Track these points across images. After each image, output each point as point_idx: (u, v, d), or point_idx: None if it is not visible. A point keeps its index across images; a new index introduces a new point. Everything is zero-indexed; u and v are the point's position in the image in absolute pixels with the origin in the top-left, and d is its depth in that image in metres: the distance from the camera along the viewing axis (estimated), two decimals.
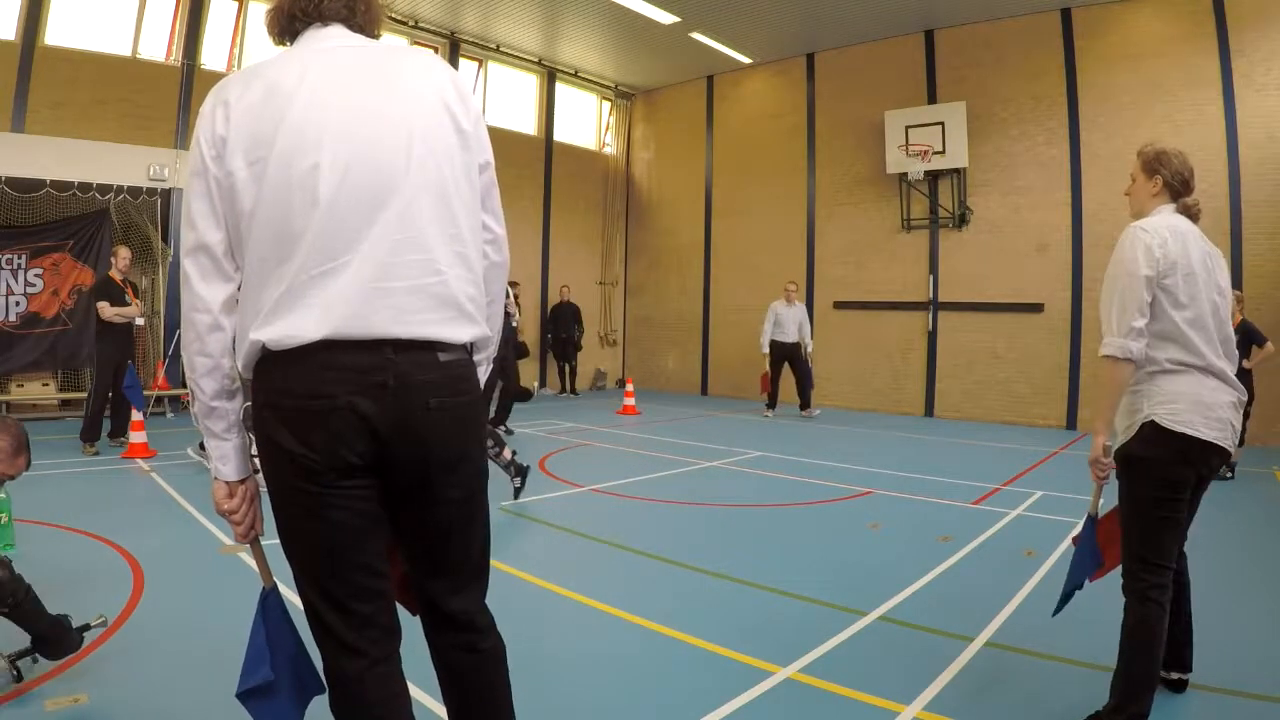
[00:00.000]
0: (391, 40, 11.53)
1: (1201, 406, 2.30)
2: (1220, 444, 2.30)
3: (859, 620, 3.30)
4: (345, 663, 1.44)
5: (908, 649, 3.04)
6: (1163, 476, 2.31)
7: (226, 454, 1.48)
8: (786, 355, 10.37)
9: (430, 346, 1.39)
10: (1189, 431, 2.28)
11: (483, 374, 1.58)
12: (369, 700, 1.46)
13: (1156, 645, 2.29)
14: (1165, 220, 2.43)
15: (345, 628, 1.43)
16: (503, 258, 1.61)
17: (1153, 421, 2.31)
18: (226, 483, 1.49)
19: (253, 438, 1.46)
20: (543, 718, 2.44)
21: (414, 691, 2.31)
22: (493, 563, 4.24)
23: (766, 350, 10.37)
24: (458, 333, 1.42)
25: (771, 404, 10.58)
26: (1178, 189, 2.53)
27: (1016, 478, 6.64)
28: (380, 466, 1.40)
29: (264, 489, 1.50)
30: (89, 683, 2.50)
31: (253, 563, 1.71)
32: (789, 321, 10.36)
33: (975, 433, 9.58)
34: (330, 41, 1.47)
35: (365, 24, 1.53)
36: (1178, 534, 2.37)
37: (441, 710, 2.49)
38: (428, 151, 1.40)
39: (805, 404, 10.62)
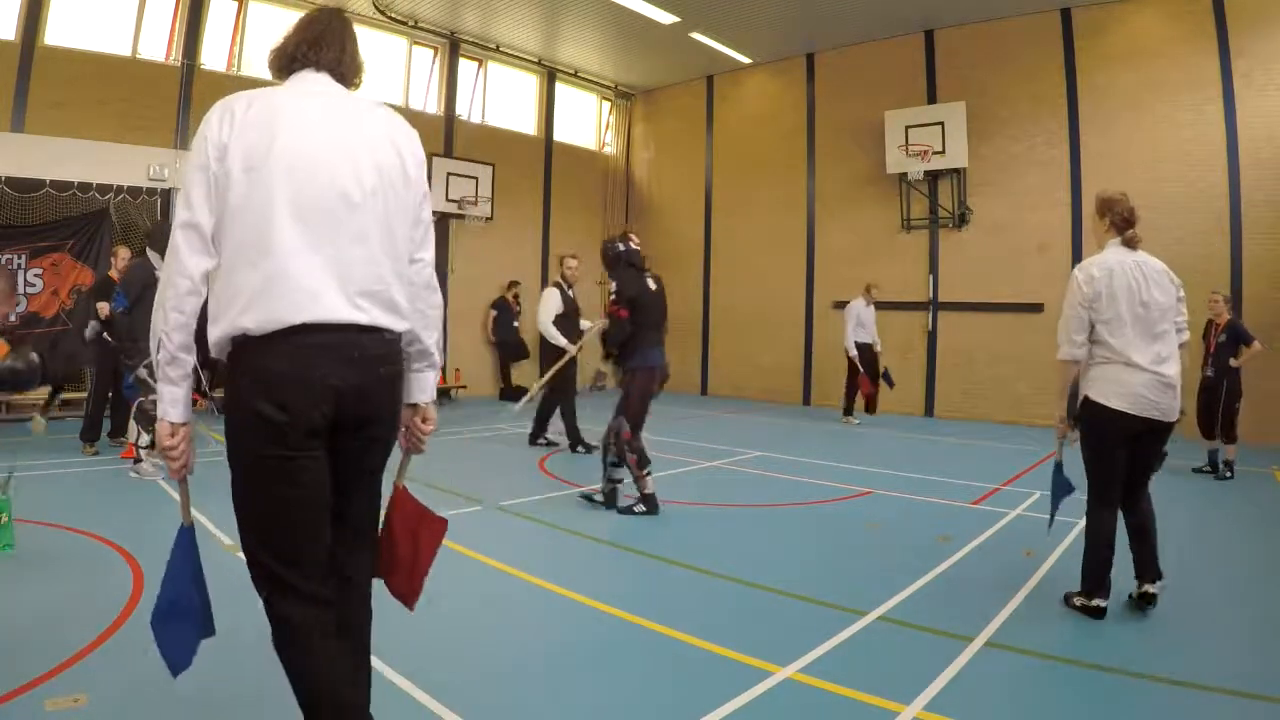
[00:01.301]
0: (394, 40, 11.55)
1: (1117, 385, 3.34)
2: (1132, 412, 3.30)
3: (859, 620, 3.30)
4: (304, 612, 1.69)
5: (908, 649, 3.04)
6: (1096, 433, 3.43)
7: (177, 399, 1.69)
8: (873, 358, 9.96)
9: (381, 330, 1.75)
10: (1105, 403, 3.35)
11: (430, 378, 1.97)
12: (316, 646, 1.69)
13: (1097, 545, 3.38)
14: (1102, 258, 3.43)
15: (304, 579, 1.69)
16: (423, 279, 1.91)
17: (1087, 397, 3.43)
18: (172, 423, 1.69)
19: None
20: (541, 717, 2.44)
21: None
22: (493, 562, 4.22)
23: (854, 352, 9.82)
24: (398, 324, 1.79)
25: (870, 407, 10.11)
26: (1121, 225, 3.45)
27: (1016, 478, 6.64)
28: (334, 424, 1.69)
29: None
30: (89, 683, 2.50)
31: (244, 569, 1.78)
32: (870, 322, 9.93)
33: (975, 433, 9.57)
34: (319, 86, 1.83)
35: (347, 74, 1.90)
36: (1112, 473, 3.41)
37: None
38: (383, 187, 1.76)
39: (849, 409, 10.28)
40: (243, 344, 1.65)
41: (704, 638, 3.06)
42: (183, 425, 1.70)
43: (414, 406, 1.96)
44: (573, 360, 7.23)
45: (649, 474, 5.13)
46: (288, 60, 1.85)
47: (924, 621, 3.29)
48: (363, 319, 1.69)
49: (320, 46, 1.85)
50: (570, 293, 7.51)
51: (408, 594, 1.97)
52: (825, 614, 3.38)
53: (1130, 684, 2.75)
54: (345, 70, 1.88)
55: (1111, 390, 3.33)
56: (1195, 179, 9.25)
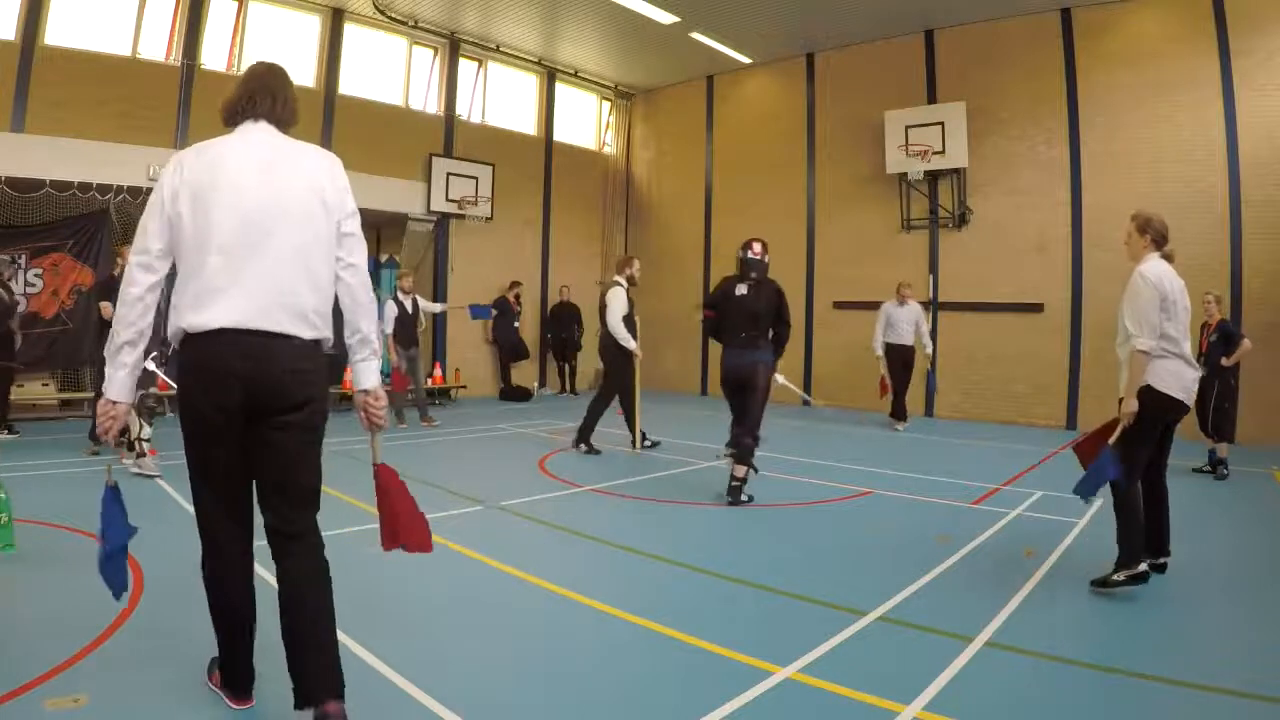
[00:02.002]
0: (394, 40, 11.56)
1: (1178, 378, 3.75)
2: (1184, 400, 3.76)
3: (859, 620, 3.30)
4: (231, 536, 2.25)
5: (908, 649, 3.04)
6: (1149, 418, 3.72)
7: (114, 380, 2.18)
8: (904, 358, 9.61)
9: (287, 337, 2.16)
10: (1169, 393, 3.73)
11: (373, 365, 2.36)
12: (245, 569, 2.30)
13: (1137, 515, 3.76)
14: (1158, 267, 3.79)
15: (234, 522, 2.25)
16: (356, 279, 2.33)
17: (1149, 386, 3.72)
18: (109, 399, 2.18)
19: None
20: (541, 717, 2.44)
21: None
22: (493, 562, 4.23)
23: (880, 353, 9.63)
24: (303, 331, 2.19)
25: (902, 415, 9.71)
26: (1159, 241, 3.88)
27: (1016, 478, 6.64)
28: (249, 410, 2.14)
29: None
30: (89, 683, 2.50)
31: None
32: (901, 322, 9.59)
33: (975, 433, 9.57)
34: (257, 135, 2.27)
35: (284, 119, 2.33)
36: (1146, 453, 3.81)
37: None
38: (302, 217, 2.20)
39: (900, 414, 9.78)
40: (184, 339, 2.16)
41: (704, 638, 3.06)
42: (116, 403, 2.19)
43: (365, 391, 2.36)
44: (633, 360, 7.36)
45: (727, 456, 5.63)
46: (232, 113, 2.30)
47: (924, 621, 3.29)
48: (272, 327, 2.13)
49: (257, 100, 2.29)
50: (629, 293, 7.62)
51: (421, 546, 2.42)
52: (825, 614, 3.38)
53: (1130, 684, 2.75)
54: (281, 117, 2.32)
55: (1174, 383, 3.73)
56: (1195, 179, 9.25)
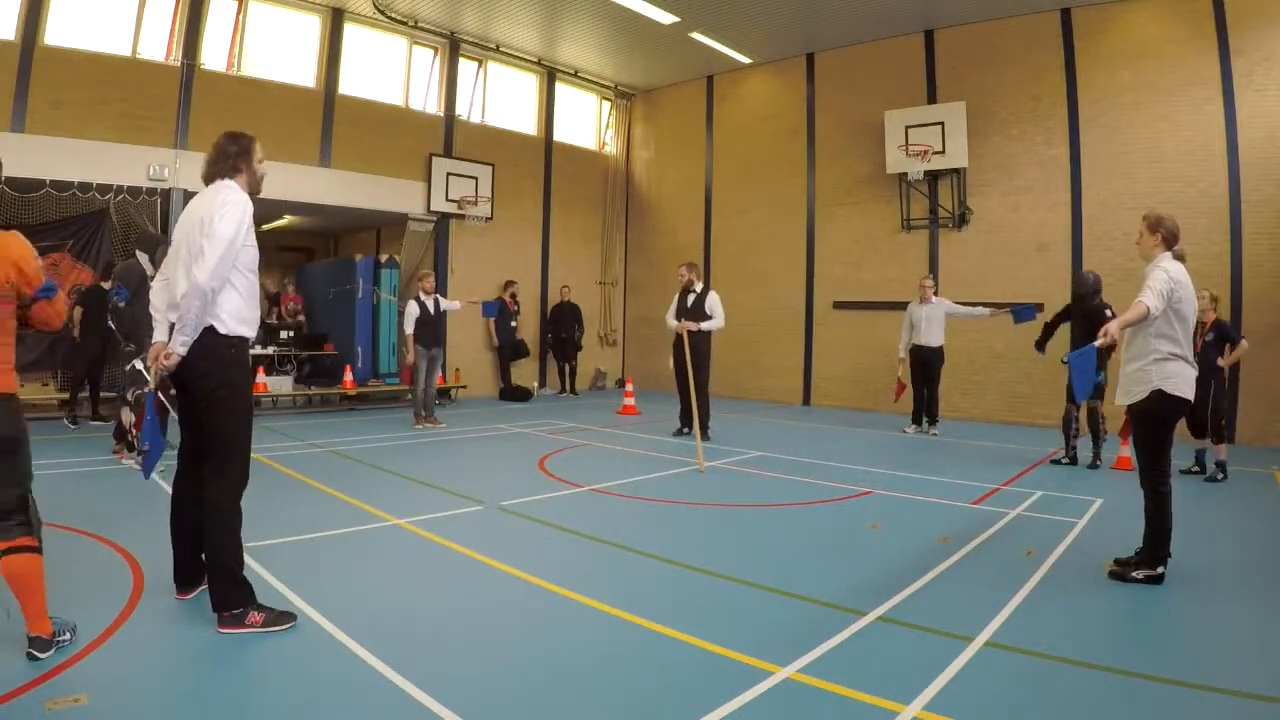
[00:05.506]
0: (394, 40, 11.55)
1: (1185, 380, 3.85)
2: (1190, 400, 3.87)
3: (859, 620, 3.29)
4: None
5: (908, 649, 3.04)
6: (1163, 421, 3.89)
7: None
8: (924, 360, 9.11)
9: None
10: (1179, 395, 3.83)
11: (177, 337, 2.96)
12: (176, 489, 3.32)
13: (1168, 515, 3.86)
14: (1173, 264, 3.87)
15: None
16: (186, 285, 2.99)
17: (1160, 389, 3.81)
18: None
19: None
20: (541, 717, 2.44)
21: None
22: (493, 562, 4.22)
23: (902, 356, 9.28)
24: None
25: (916, 418, 9.42)
26: (1170, 240, 3.96)
27: (1016, 478, 6.64)
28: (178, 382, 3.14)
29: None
30: (89, 683, 2.50)
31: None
32: (924, 321, 9.05)
33: (975, 433, 9.57)
34: (203, 192, 3.15)
35: (211, 175, 3.16)
36: (1169, 454, 3.93)
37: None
38: (188, 238, 3.05)
39: (931, 418, 9.41)
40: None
41: (704, 638, 3.06)
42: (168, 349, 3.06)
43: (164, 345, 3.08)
44: (682, 347, 8.38)
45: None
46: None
47: (924, 621, 3.28)
48: (173, 318, 3.04)
49: (205, 173, 3.20)
50: (689, 298, 8.71)
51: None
52: (825, 614, 3.38)
53: (1131, 684, 2.75)
54: (209, 174, 3.16)
55: (1184, 386, 3.84)
56: (1195, 179, 9.24)
